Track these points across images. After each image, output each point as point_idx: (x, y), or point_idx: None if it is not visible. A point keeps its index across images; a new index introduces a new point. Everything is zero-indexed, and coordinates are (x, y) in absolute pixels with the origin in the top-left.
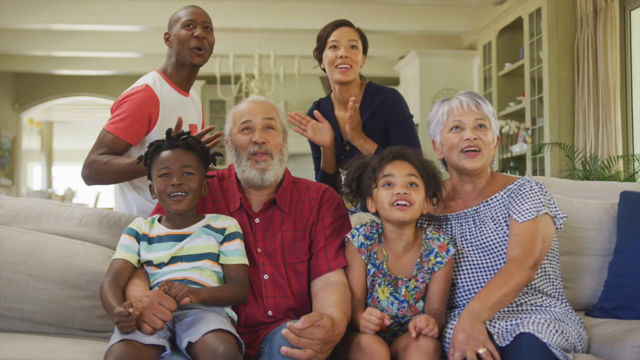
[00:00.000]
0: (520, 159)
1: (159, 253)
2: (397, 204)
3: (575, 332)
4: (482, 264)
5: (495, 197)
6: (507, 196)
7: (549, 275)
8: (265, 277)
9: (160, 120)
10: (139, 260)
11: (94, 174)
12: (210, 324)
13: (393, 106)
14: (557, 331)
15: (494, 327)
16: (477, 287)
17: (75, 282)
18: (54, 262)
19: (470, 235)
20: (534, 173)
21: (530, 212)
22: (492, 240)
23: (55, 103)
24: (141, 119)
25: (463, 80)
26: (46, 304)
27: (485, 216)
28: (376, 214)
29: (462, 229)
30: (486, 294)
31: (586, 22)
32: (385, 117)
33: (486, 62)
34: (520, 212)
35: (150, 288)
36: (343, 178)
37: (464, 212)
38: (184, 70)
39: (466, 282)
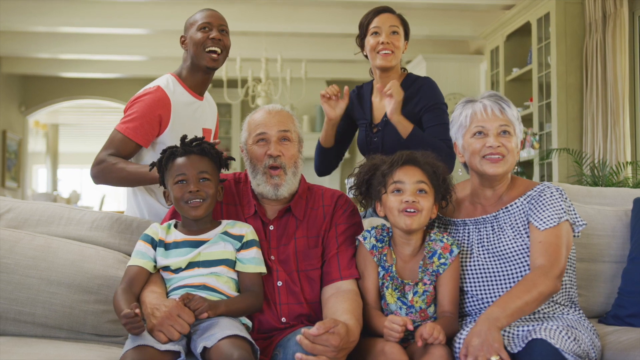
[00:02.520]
0: (527, 164)
1: (176, 259)
2: (406, 211)
3: (588, 339)
4: (498, 271)
5: (515, 203)
6: (527, 202)
7: (565, 284)
8: (279, 283)
9: (172, 123)
10: (154, 267)
11: (101, 174)
12: (225, 330)
13: (428, 92)
14: (569, 337)
15: (507, 332)
16: (491, 295)
17: (86, 286)
18: (65, 266)
19: (487, 242)
20: (542, 179)
21: (552, 219)
22: (509, 248)
23: (61, 106)
24: (152, 120)
25: (470, 85)
26: (58, 308)
27: (504, 223)
28: (386, 217)
29: (480, 235)
30: (507, 301)
31: (595, 28)
32: (421, 103)
33: (494, 67)
34: (541, 219)
35: (167, 293)
36: (352, 180)
37: (482, 218)
38: (198, 74)
39: (480, 289)
